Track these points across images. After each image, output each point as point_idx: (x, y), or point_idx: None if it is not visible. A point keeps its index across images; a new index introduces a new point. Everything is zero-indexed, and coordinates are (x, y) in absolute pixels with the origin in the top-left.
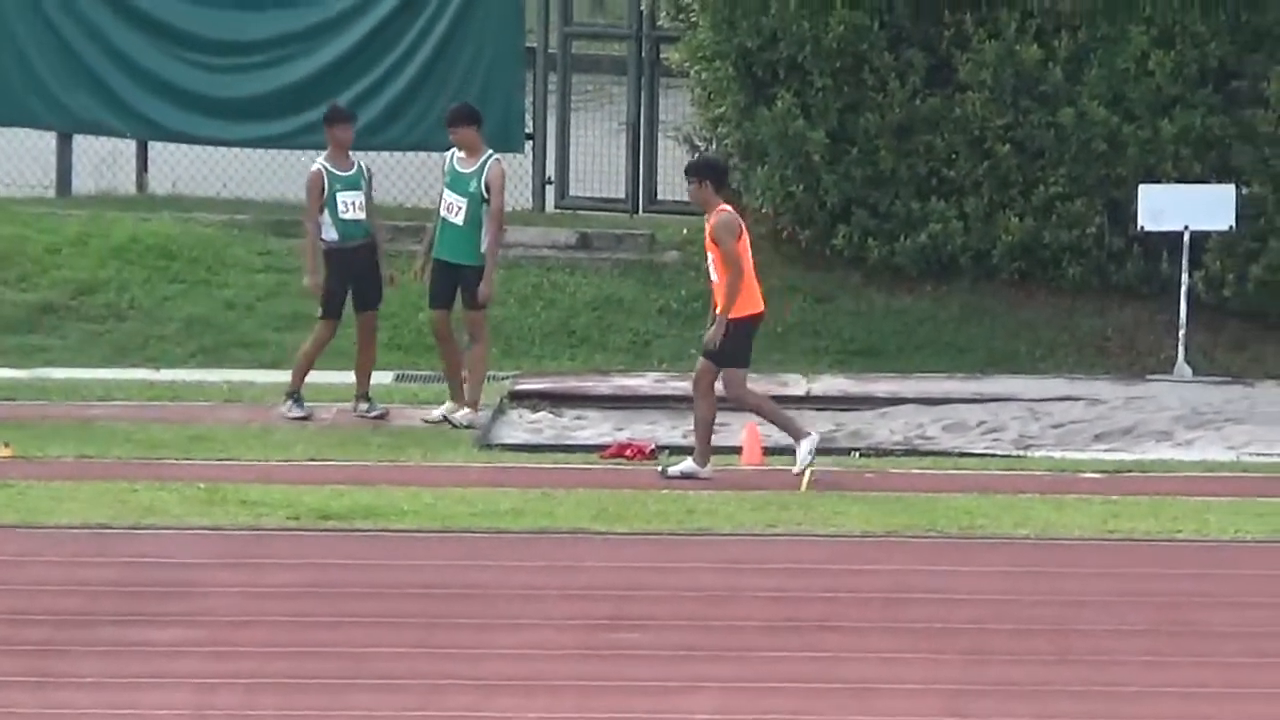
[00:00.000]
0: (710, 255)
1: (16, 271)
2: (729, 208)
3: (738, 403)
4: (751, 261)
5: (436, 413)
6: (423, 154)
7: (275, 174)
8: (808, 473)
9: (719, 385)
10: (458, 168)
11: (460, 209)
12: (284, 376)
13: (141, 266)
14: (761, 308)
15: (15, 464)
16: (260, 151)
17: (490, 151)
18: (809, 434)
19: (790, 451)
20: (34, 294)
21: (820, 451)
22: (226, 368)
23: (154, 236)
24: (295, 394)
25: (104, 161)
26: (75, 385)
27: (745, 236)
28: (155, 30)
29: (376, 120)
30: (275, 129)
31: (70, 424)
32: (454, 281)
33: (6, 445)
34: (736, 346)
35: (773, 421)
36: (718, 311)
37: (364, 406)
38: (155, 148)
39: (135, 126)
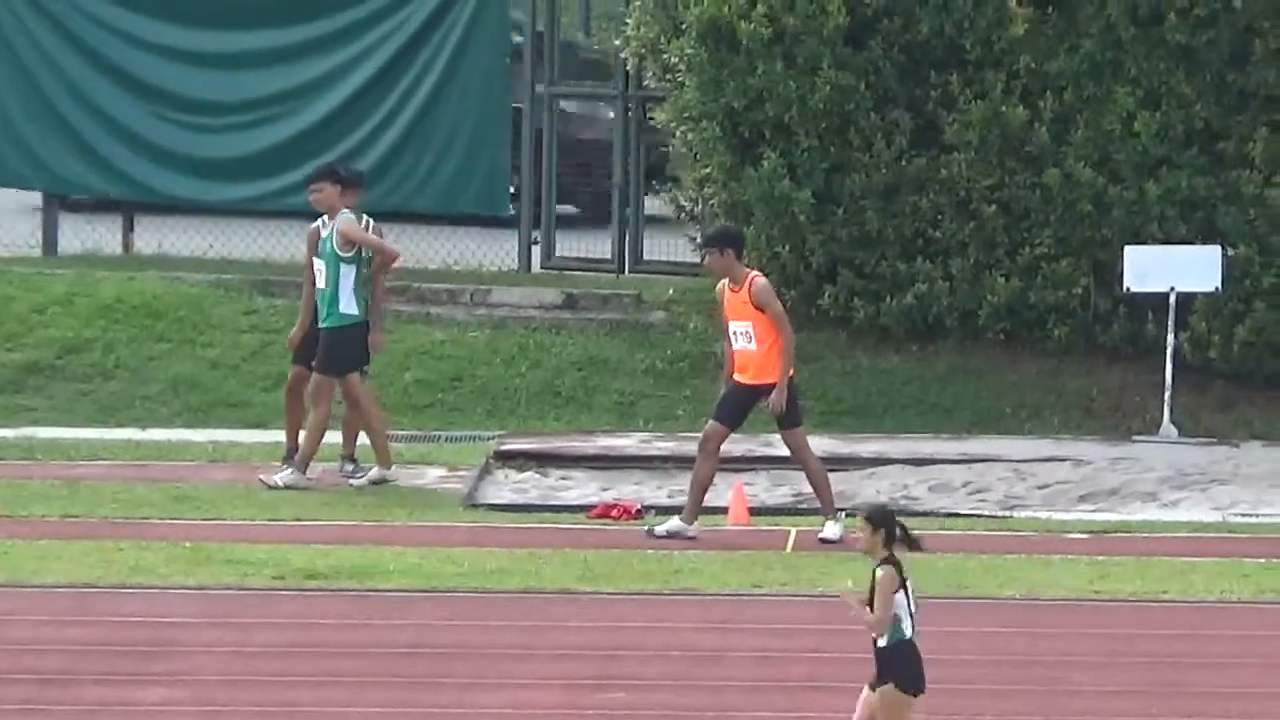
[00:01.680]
0: (745, 323)
1: (3, 331)
2: (758, 272)
3: (804, 463)
4: None
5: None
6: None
7: (261, 234)
8: (793, 532)
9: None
10: (323, 231)
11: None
12: (268, 437)
13: (127, 326)
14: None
15: (0, 523)
16: (244, 211)
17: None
18: (839, 517)
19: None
20: (20, 353)
21: (805, 512)
22: (212, 427)
23: (140, 296)
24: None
25: (89, 222)
26: (61, 445)
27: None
28: (141, 91)
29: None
30: (260, 189)
31: (56, 483)
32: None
33: None
34: (796, 406)
35: (817, 489)
36: (775, 378)
37: (349, 468)
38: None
39: (123, 188)
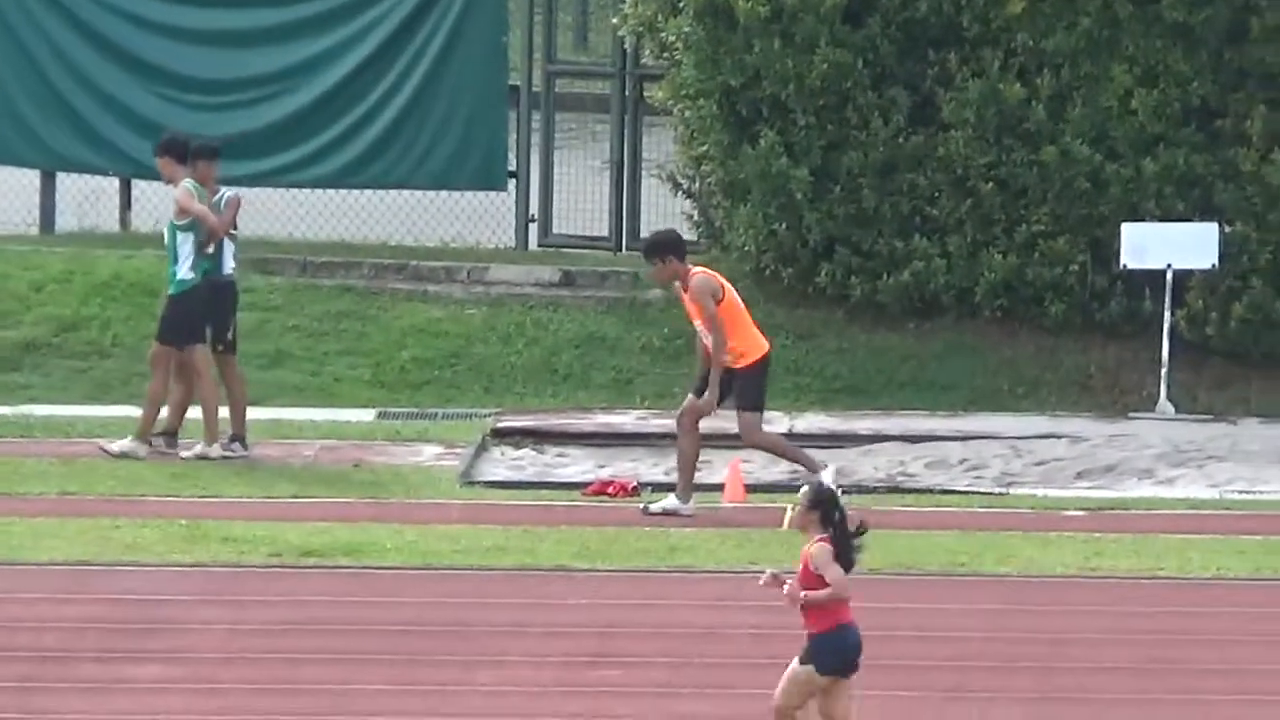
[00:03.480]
0: (697, 321)
1: (0, 309)
2: (701, 269)
3: (753, 446)
4: (743, 306)
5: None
6: (406, 192)
7: (258, 211)
8: (789, 509)
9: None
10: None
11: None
12: (264, 414)
13: (124, 304)
14: (767, 347)
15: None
16: (247, 189)
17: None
18: (825, 465)
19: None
20: (17, 331)
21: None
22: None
23: (137, 274)
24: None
25: (87, 199)
26: (58, 422)
27: (728, 289)
28: (138, 68)
29: (360, 158)
30: (257, 167)
31: (53, 461)
32: None
33: None
34: (752, 389)
35: (789, 459)
36: (753, 356)
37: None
38: (139, 185)
39: (118, 164)
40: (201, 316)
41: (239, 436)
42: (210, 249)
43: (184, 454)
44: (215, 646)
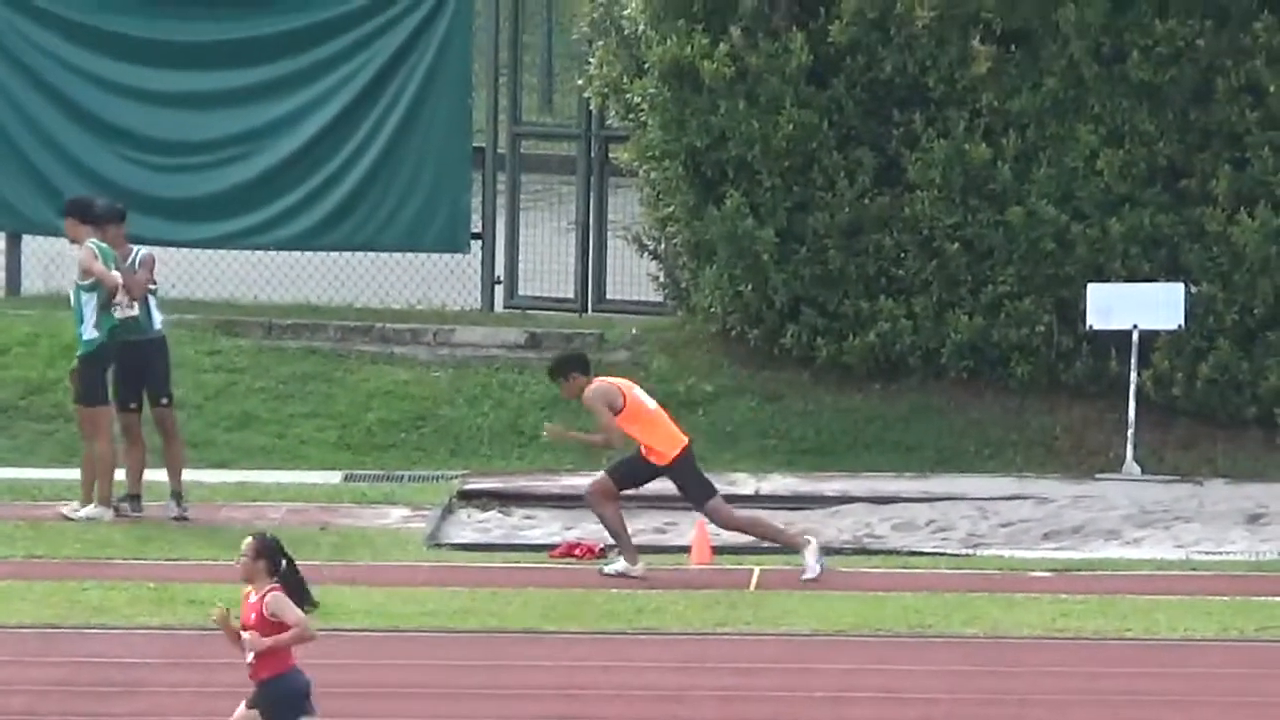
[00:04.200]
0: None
1: None
2: (601, 380)
3: (735, 530)
4: (654, 407)
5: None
6: (372, 254)
7: (224, 274)
8: (756, 571)
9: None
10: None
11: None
12: (231, 476)
13: None
14: (685, 441)
15: None
16: (208, 251)
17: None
18: (809, 541)
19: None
20: None
21: (769, 551)
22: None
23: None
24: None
25: (53, 261)
26: (24, 485)
27: (630, 395)
28: (104, 131)
29: (325, 220)
30: (223, 229)
31: (19, 524)
32: None
33: None
34: (693, 482)
35: (769, 538)
36: (666, 452)
37: (126, 505)
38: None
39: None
40: (107, 375)
41: (177, 493)
42: (118, 309)
43: (71, 515)
44: (183, 709)
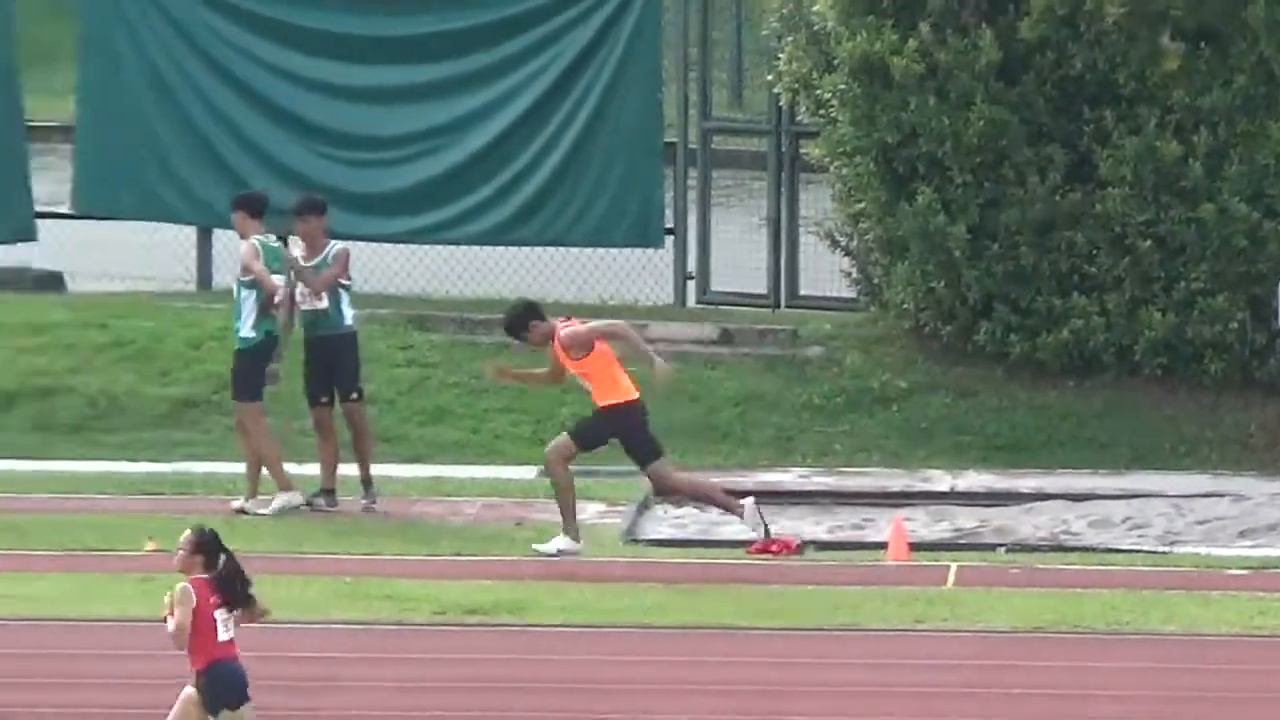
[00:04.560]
0: (575, 374)
1: (158, 366)
2: (565, 324)
3: (671, 492)
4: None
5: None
6: (565, 249)
7: (416, 269)
8: (953, 567)
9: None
10: (304, 263)
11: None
12: (425, 471)
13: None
14: (636, 395)
15: (160, 558)
16: (400, 246)
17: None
18: (742, 506)
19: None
20: (176, 388)
21: (966, 547)
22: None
23: (296, 331)
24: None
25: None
26: (218, 479)
27: (599, 342)
28: (294, 126)
29: (516, 215)
30: (414, 224)
31: (214, 519)
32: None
33: (151, 539)
34: (643, 436)
35: (708, 500)
36: (614, 398)
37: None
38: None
39: (274, 222)
40: (262, 374)
41: (366, 480)
42: (305, 300)
43: (263, 511)
44: (379, 704)
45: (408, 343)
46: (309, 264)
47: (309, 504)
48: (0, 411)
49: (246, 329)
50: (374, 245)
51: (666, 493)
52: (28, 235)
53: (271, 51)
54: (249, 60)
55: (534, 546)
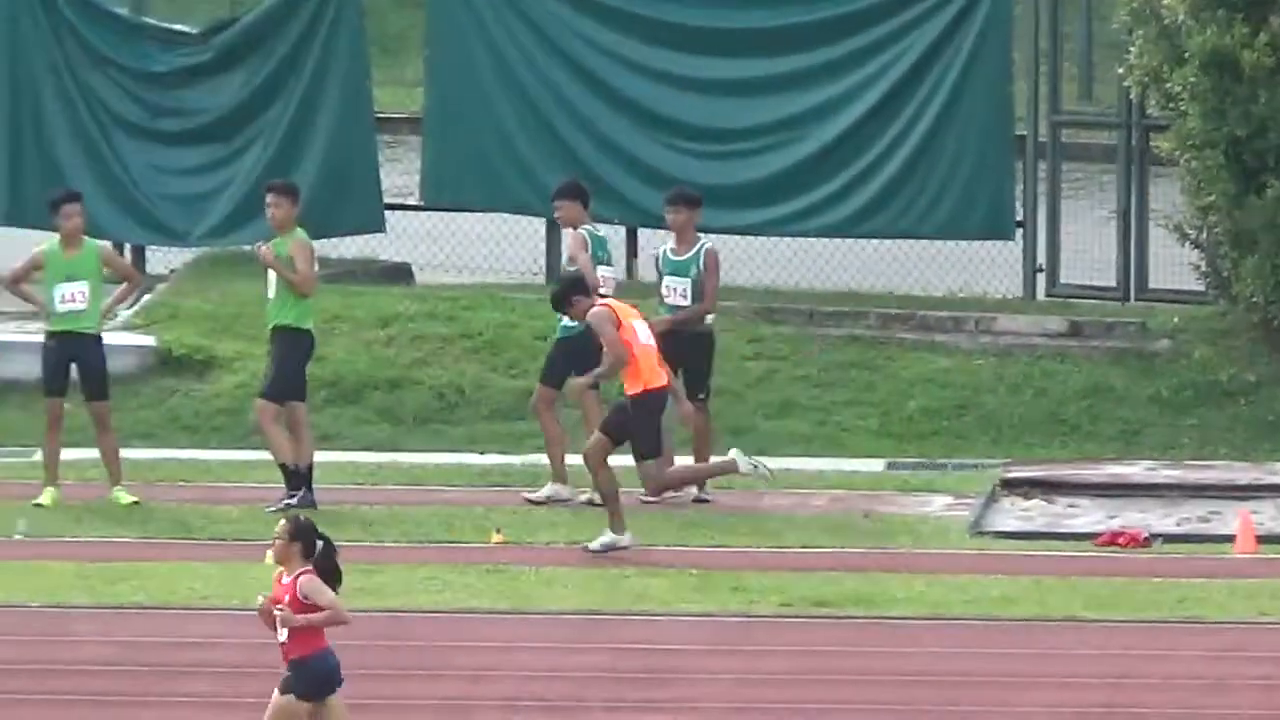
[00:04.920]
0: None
1: (506, 358)
2: (601, 304)
3: (663, 489)
4: (647, 340)
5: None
6: (911, 241)
7: (765, 260)
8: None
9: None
10: (671, 255)
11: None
12: (773, 464)
13: None
14: (664, 383)
15: (508, 549)
16: (747, 238)
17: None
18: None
19: None
20: (524, 380)
21: None
22: (717, 453)
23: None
24: None
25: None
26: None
27: (626, 320)
28: (644, 118)
29: (866, 207)
30: (765, 215)
31: (563, 511)
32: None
33: (499, 531)
34: (650, 429)
35: (700, 475)
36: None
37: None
38: (643, 234)
39: (624, 213)
40: (572, 365)
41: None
42: (669, 295)
43: (531, 496)
44: (724, 697)
45: (756, 335)
46: (679, 258)
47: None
48: (348, 403)
49: (568, 319)
50: (722, 237)
51: (652, 493)
52: (376, 227)
53: (622, 44)
54: (599, 52)
55: (584, 546)
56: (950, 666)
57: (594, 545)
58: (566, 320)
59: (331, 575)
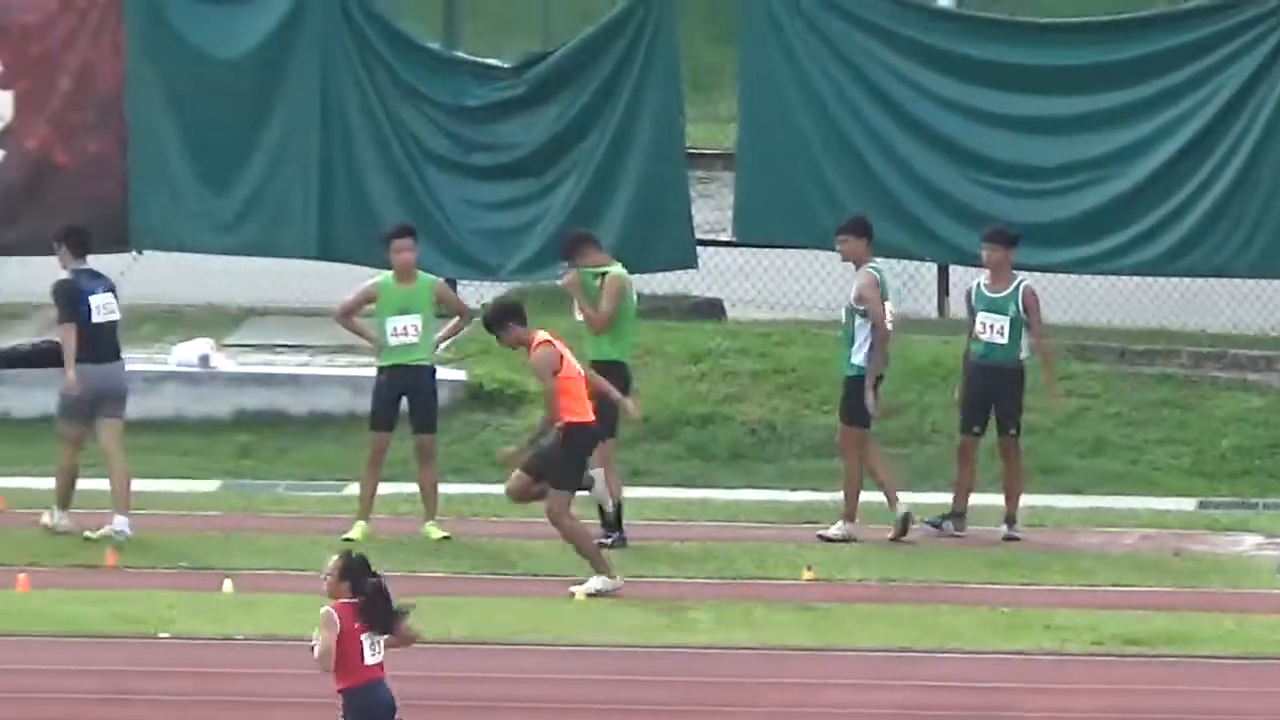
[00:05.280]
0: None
1: (818, 394)
2: (544, 337)
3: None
4: (578, 371)
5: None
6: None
7: (1076, 298)
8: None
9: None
10: (987, 292)
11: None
12: (1083, 503)
13: (942, 390)
14: (592, 419)
15: (819, 586)
16: (1058, 275)
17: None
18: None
19: None
20: (835, 418)
21: None
22: (1029, 490)
23: (954, 360)
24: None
25: (904, 285)
26: (871, 508)
27: (565, 355)
28: (957, 154)
29: (1179, 244)
30: (1078, 254)
31: (872, 547)
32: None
33: (810, 568)
34: (572, 463)
35: (581, 552)
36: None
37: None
38: (955, 271)
39: (936, 251)
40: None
41: (1010, 516)
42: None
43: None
44: None
45: (1068, 372)
46: (996, 295)
47: (937, 526)
48: (660, 439)
49: (858, 356)
50: (1034, 275)
51: (552, 523)
52: (689, 263)
53: (935, 80)
54: (911, 89)
55: (571, 589)
56: (1260, 706)
57: (580, 591)
58: (856, 358)
59: (377, 616)
